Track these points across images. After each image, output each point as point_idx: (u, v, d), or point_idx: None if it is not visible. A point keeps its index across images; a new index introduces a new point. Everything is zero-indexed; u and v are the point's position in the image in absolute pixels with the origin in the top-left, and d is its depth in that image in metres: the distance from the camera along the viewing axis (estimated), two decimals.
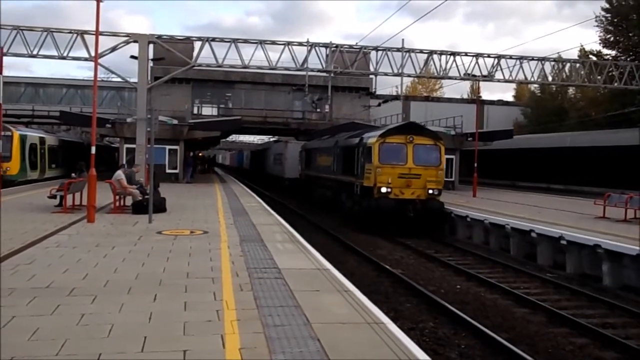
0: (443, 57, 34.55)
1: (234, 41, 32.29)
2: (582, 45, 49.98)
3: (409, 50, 34.04)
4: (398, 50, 33.75)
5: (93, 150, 15.49)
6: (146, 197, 16.54)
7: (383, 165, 21.27)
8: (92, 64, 21.43)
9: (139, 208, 16.65)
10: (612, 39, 46.85)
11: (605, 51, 47.56)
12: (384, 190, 21.06)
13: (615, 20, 46.13)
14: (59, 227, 13.52)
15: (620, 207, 18.93)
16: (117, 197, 17.82)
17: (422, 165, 21.47)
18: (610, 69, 37.35)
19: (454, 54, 34.71)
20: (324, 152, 30.77)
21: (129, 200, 18.02)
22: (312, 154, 34.29)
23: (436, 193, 21.55)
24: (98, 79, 16.59)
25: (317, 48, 33.51)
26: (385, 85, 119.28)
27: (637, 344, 9.32)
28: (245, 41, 33.01)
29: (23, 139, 30.97)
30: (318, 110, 47.25)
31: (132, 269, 9.09)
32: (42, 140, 34.11)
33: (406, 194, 21.26)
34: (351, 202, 24.08)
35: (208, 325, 6.29)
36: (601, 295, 12.65)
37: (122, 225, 14.32)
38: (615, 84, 36.97)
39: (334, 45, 33.94)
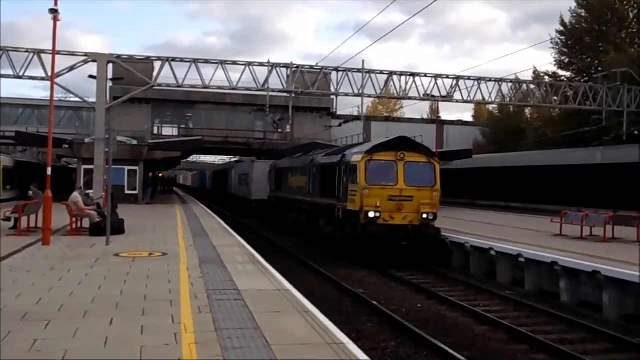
0: (403, 77, 34.94)
1: (195, 61, 32.15)
2: (535, 68, 51.17)
3: (370, 71, 34.41)
4: (358, 71, 34.09)
5: (49, 171, 15.17)
6: (104, 218, 16.25)
7: (370, 186, 18.46)
8: (48, 83, 21.07)
9: (97, 230, 16.38)
10: (566, 60, 48.16)
11: (560, 72, 48.89)
12: (371, 214, 18.26)
13: (570, 42, 47.47)
14: (12, 250, 13.17)
15: (576, 224, 19.28)
16: (74, 219, 17.48)
17: (415, 186, 18.77)
18: (565, 90, 38.34)
19: (413, 74, 35.15)
20: (297, 171, 27.82)
21: (86, 222, 17.69)
22: (284, 174, 31.19)
23: (431, 218, 18.87)
24: (55, 98, 16.34)
25: (278, 68, 33.58)
26: (346, 106, 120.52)
27: (595, 359, 9.45)
28: (206, 61, 32.96)
29: None
30: (279, 130, 47.19)
31: (88, 292, 8.90)
32: None
33: (397, 219, 18.52)
34: (332, 228, 21.35)
35: (165, 349, 6.17)
36: (559, 312, 12.82)
37: (79, 248, 14.04)
38: (570, 105, 37.92)
39: (295, 66, 34.10)
